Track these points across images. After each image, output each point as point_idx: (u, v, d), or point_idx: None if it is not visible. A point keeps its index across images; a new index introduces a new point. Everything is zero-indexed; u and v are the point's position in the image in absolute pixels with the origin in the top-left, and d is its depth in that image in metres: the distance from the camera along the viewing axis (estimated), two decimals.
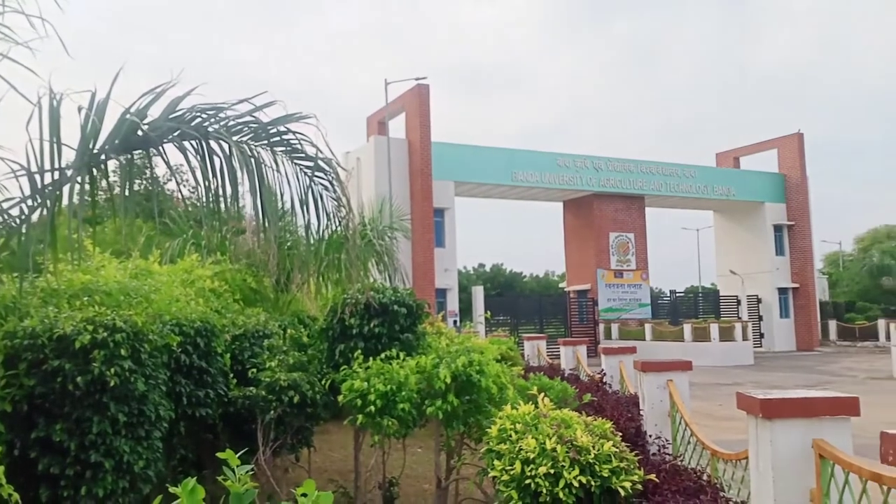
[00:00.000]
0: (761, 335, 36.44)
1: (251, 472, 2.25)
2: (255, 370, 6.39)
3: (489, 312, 23.61)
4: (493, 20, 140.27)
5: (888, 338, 29.73)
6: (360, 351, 6.06)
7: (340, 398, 5.75)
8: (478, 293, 31.83)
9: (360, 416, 5.51)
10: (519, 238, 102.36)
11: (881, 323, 36.34)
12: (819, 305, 38.01)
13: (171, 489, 2.00)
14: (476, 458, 5.87)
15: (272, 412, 5.97)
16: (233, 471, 2.14)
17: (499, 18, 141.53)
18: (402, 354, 5.99)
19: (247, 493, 2.13)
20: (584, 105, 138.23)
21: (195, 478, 2.16)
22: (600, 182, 33.93)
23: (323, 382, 6.24)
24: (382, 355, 5.95)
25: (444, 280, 29.54)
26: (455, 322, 27.31)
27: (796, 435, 2.64)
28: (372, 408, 5.41)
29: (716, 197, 36.55)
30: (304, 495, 2.55)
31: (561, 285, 42.03)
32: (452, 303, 29.90)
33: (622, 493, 4.04)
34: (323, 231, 6.14)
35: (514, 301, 37.37)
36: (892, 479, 1.82)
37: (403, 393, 5.48)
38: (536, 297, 41.42)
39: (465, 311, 33.83)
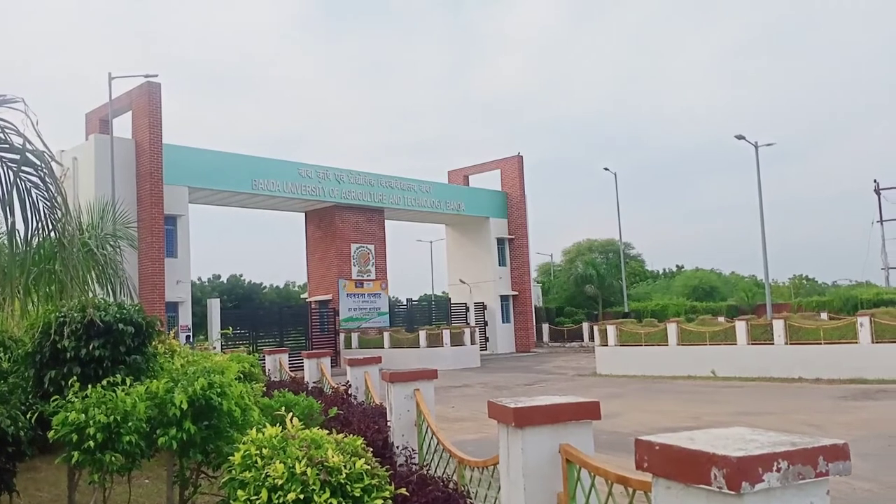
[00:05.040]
0: (486, 339, 39.40)
1: None
2: None
3: (230, 328, 22.45)
4: (234, 24, 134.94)
5: (591, 338, 33.88)
6: (75, 377, 5.30)
7: (51, 434, 4.95)
8: (213, 306, 30.13)
9: (75, 453, 4.79)
10: (259, 248, 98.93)
11: (585, 326, 41.21)
12: (534, 311, 42.21)
13: None
14: (215, 487, 5.41)
15: None
16: None
17: (240, 22, 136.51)
18: (128, 380, 5.35)
19: None
20: (326, 116, 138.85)
21: None
22: (342, 194, 34.24)
23: (28, 416, 5.34)
24: (105, 381, 5.26)
25: (176, 292, 27.53)
26: (188, 337, 25.55)
27: (545, 441, 2.75)
28: (91, 443, 4.73)
29: (448, 211, 38.95)
30: None
31: (302, 296, 41.47)
32: (185, 317, 27.96)
33: None
34: (31, 236, 5.25)
35: (254, 313, 36.00)
36: (638, 482, 1.93)
37: (130, 423, 4.87)
38: (277, 308, 40.37)
39: (200, 325, 31.88)
